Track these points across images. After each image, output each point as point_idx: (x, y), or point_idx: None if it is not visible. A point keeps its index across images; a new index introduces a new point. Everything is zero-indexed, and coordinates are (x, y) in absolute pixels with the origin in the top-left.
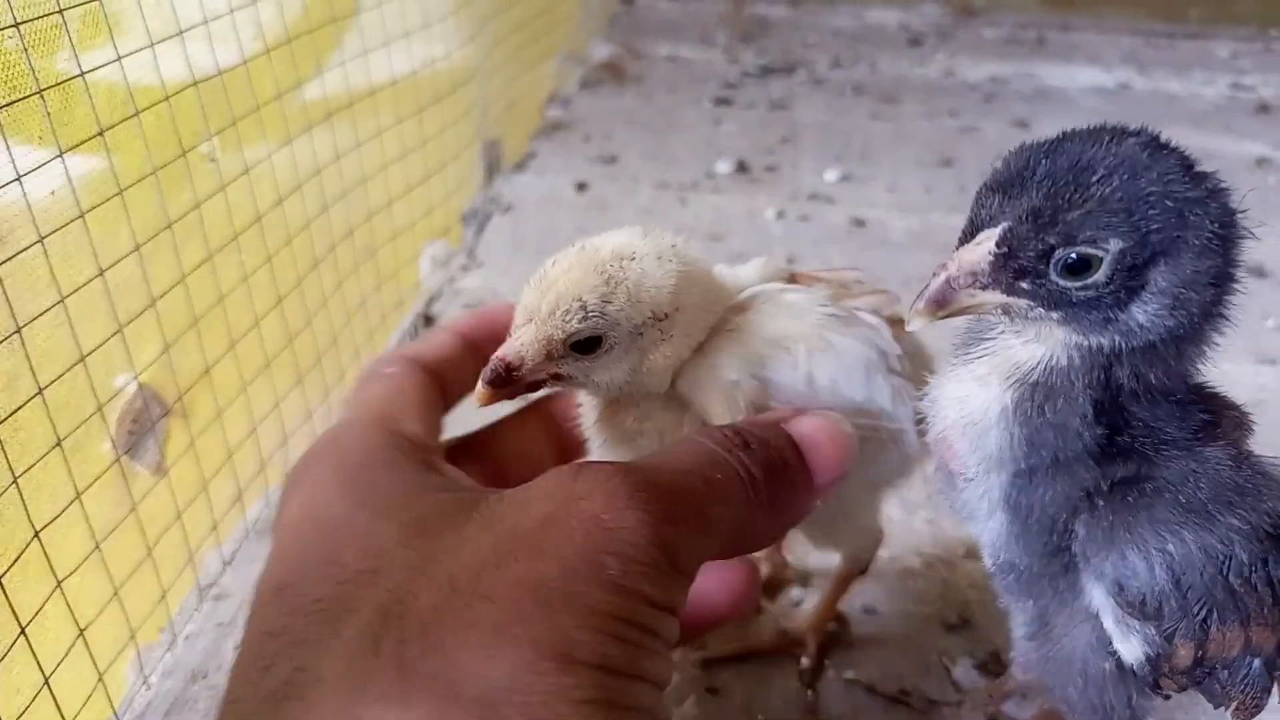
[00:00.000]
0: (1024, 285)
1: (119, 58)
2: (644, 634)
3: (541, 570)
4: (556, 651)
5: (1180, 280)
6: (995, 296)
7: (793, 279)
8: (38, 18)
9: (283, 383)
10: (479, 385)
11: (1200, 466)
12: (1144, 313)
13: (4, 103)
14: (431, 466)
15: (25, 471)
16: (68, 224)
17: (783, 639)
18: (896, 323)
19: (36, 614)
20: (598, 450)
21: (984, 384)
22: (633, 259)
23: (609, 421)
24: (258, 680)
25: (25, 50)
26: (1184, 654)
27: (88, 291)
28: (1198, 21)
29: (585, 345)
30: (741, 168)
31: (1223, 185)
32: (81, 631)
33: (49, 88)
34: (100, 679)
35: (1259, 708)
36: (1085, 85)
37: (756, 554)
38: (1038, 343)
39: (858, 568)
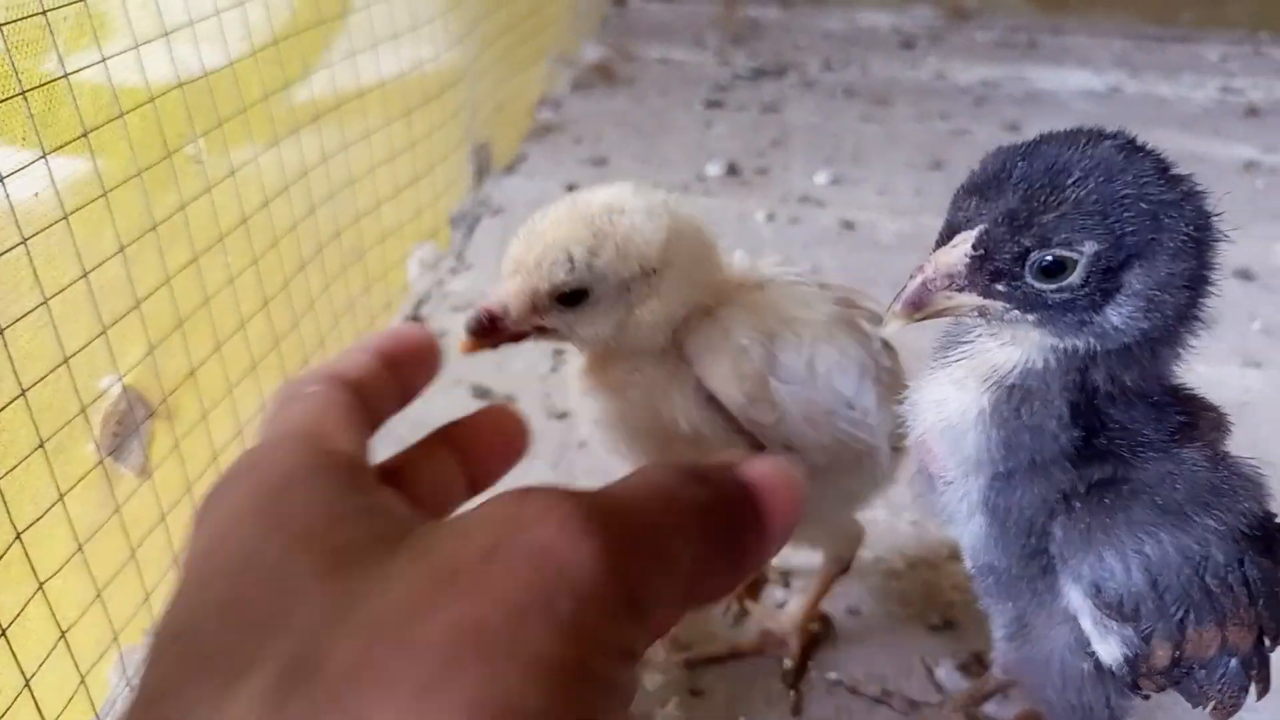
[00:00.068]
0: (1000, 287)
1: (103, 59)
2: (600, 687)
3: (481, 612)
4: (498, 710)
5: (1155, 282)
6: (971, 299)
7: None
8: (19, 19)
9: (269, 385)
10: (462, 333)
11: (1177, 468)
12: (1119, 315)
13: None
14: (361, 488)
15: (8, 473)
16: (50, 225)
17: (766, 640)
18: (884, 343)
19: (18, 615)
20: (579, 397)
21: (961, 387)
22: (622, 213)
23: (596, 371)
24: None
25: (9, 51)
26: (1161, 654)
27: (73, 293)
28: (1188, 24)
29: (571, 298)
30: (732, 170)
31: (1198, 188)
32: (64, 634)
33: (32, 89)
34: (82, 681)
35: (1236, 706)
36: (1076, 88)
37: None
38: (1014, 346)
39: (839, 566)
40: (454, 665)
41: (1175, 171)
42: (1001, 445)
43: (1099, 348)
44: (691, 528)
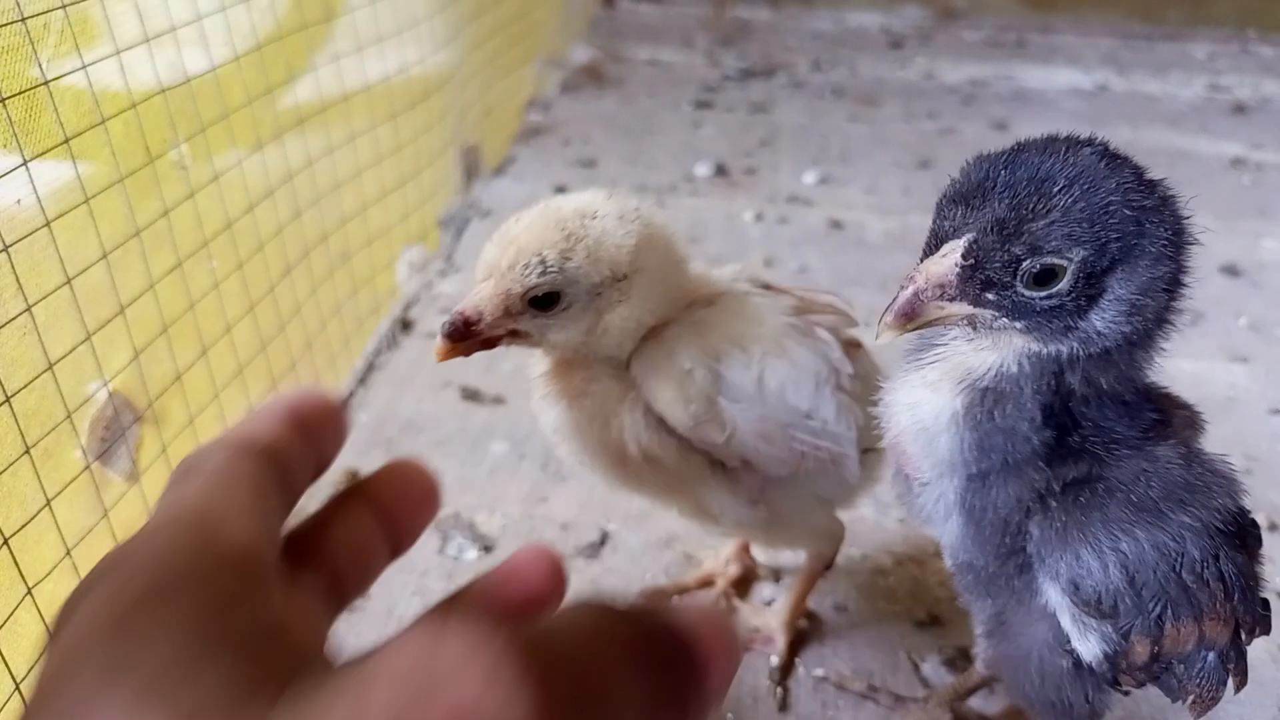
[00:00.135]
0: (990, 296)
1: (83, 66)
2: None
3: None
4: None
5: (1137, 287)
6: (962, 308)
7: (766, 289)
8: (1, 25)
9: (256, 389)
10: (437, 339)
11: (1151, 465)
12: (1101, 320)
13: None
14: (250, 597)
15: None
16: (33, 232)
17: (753, 637)
18: (854, 345)
19: (7, 620)
20: (538, 401)
21: (935, 389)
22: (594, 217)
23: (558, 375)
24: None
25: None
26: (1140, 650)
27: (60, 300)
28: (1176, 23)
29: (543, 301)
30: (720, 170)
31: (1172, 193)
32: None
33: (12, 96)
34: None
35: (1215, 700)
36: (1064, 86)
37: (727, 552)
38: (991, 349)
39: (822, 563)
40: None
41: (1152, 178)
42: (975, 447)
43: (1080, 352)
44: (634, 680)
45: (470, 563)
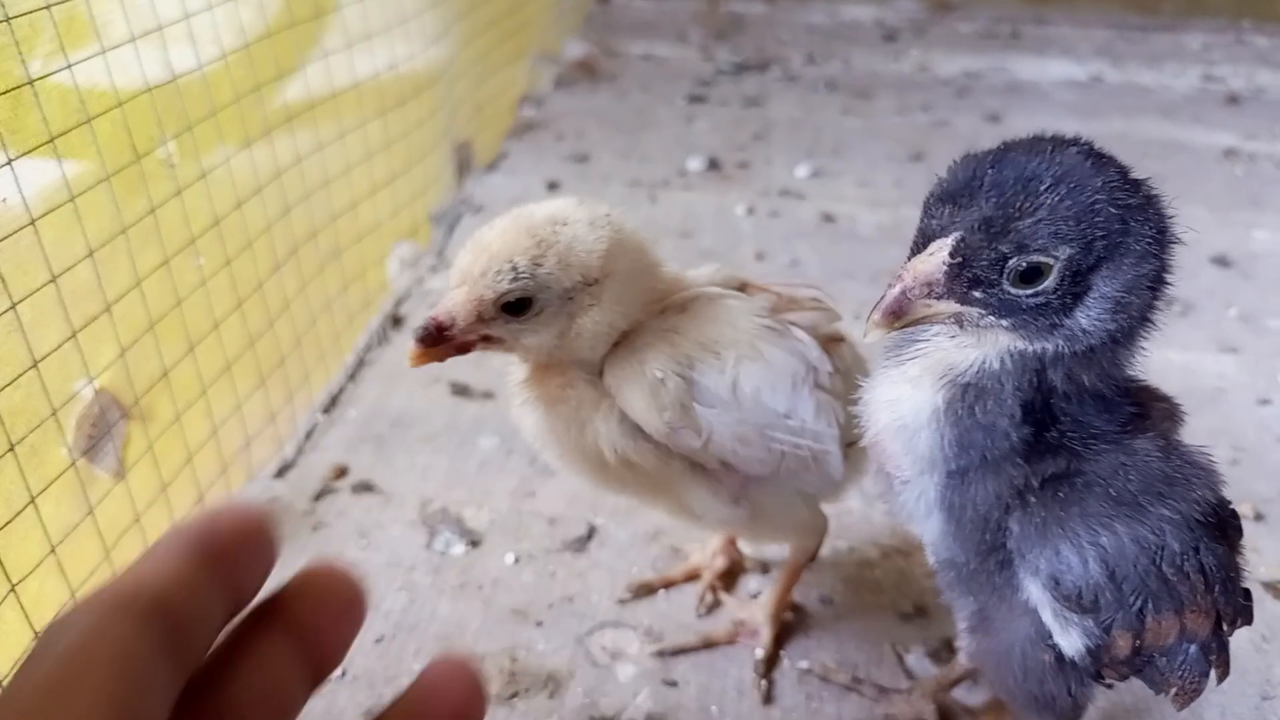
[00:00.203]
0: (977, 294)
1: (69, 65)
2: None
3: None
4: None
5: (1122, 285)
6: (950, 306)
7: (743, 288)
8: None
9: (245, 386)
10: (410, 344)
11: (1130, 459)
12: (1087, 317)
13: None
14: None
15: None
16: (18, 230)
17: (739, 629)
18: (836, 340)
19: None
20: (518, 408)
21: (916, 385)
22: (565, 224)
23: (535, 381)
24: None
25: None
26: (1122, 644)
27: (47, 298)
28: (1171, 14)
29: (516, 307)
30: (713, 165)
31: (1157, 191)
32: (37, 635)
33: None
34: None
35: (1198, 691)
36: (1058, 78)
37: (713, 546)
38: (973, 345)
39: (806, 557)
40: None
41: (1136, 176)
42: (955, 443)
43: (1065, 350)
44: None
45: (457, 557)
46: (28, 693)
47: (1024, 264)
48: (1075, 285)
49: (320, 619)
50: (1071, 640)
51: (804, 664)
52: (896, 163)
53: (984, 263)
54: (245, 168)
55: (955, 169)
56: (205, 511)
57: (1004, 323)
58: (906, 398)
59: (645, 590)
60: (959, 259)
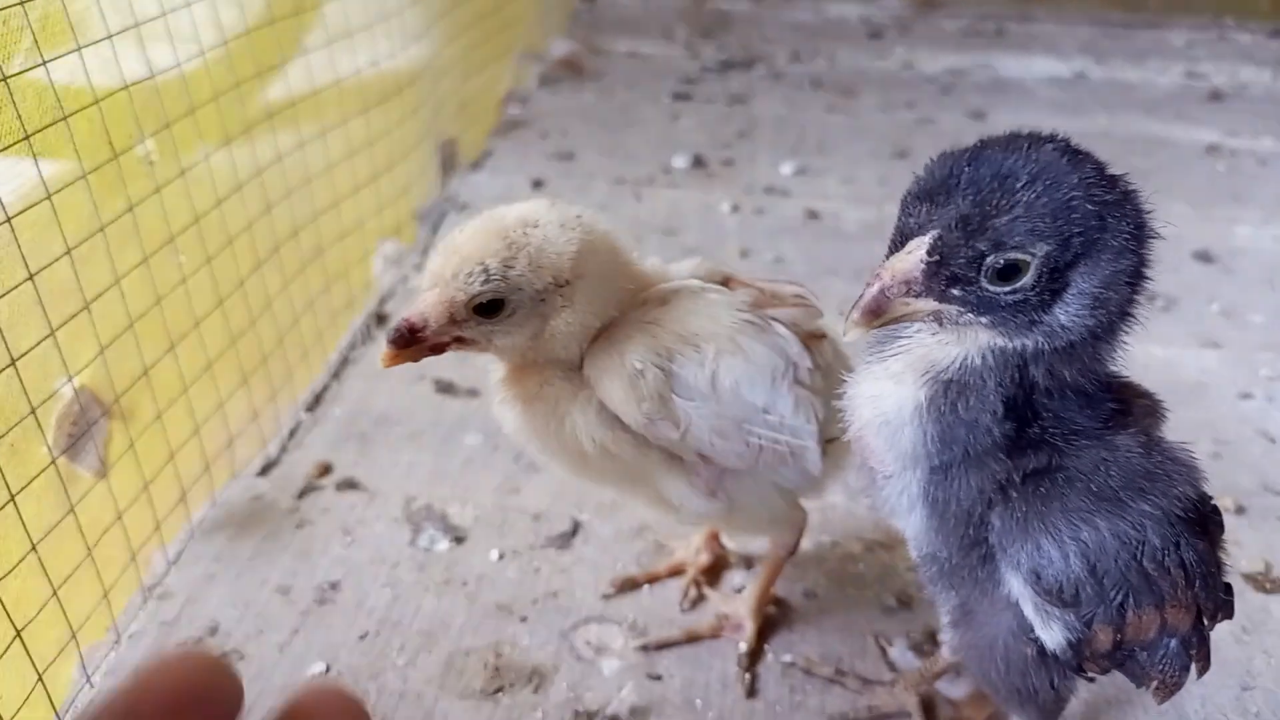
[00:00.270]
0: (955, 292)
1: (44, 62)
2: None
3: None
4: None
5: (1100, 281)
6: (928, 304)
7: (726, 282)
8: None
9: (227, 384)
10: (384, 346)
11: (1111, 454)
12: (1066, 314)
13: None
14: None
15: None
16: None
17: (723, 624)
18: (817, 337)
19: None
20: (498, 406)
21: (899, 381)
22: (536, 226)
23: (513, 380)
24: None
25: None
26: (1103, 638)
27: (26, 297)
28: (1154, 11)
29: (488, 308)
30: (698, 162)
31: (1134, 187)
32: (19, 632)
33: None
34: (40, 679)
35: (1179, 685)
36: (1041, 75)
37: (697, 541)
38: (955, 342)
39: (786, 551)
40: None
41: (1113, 172)
42: (937, 439)
43: (1045, 346)
44: None
45: (441, 554)
46: None
47: (1001, 261)
48: (1053, 282)
49: None
50: (1053, 634)
51: (788, 657)
52: (881, 160)
53: (961, 260)
54: (225, 166)
55: (932, 167)
56: (159, 665)
57: (983, 320)
58: (889, 394)
59: (629, 585)
60: (936, 257)
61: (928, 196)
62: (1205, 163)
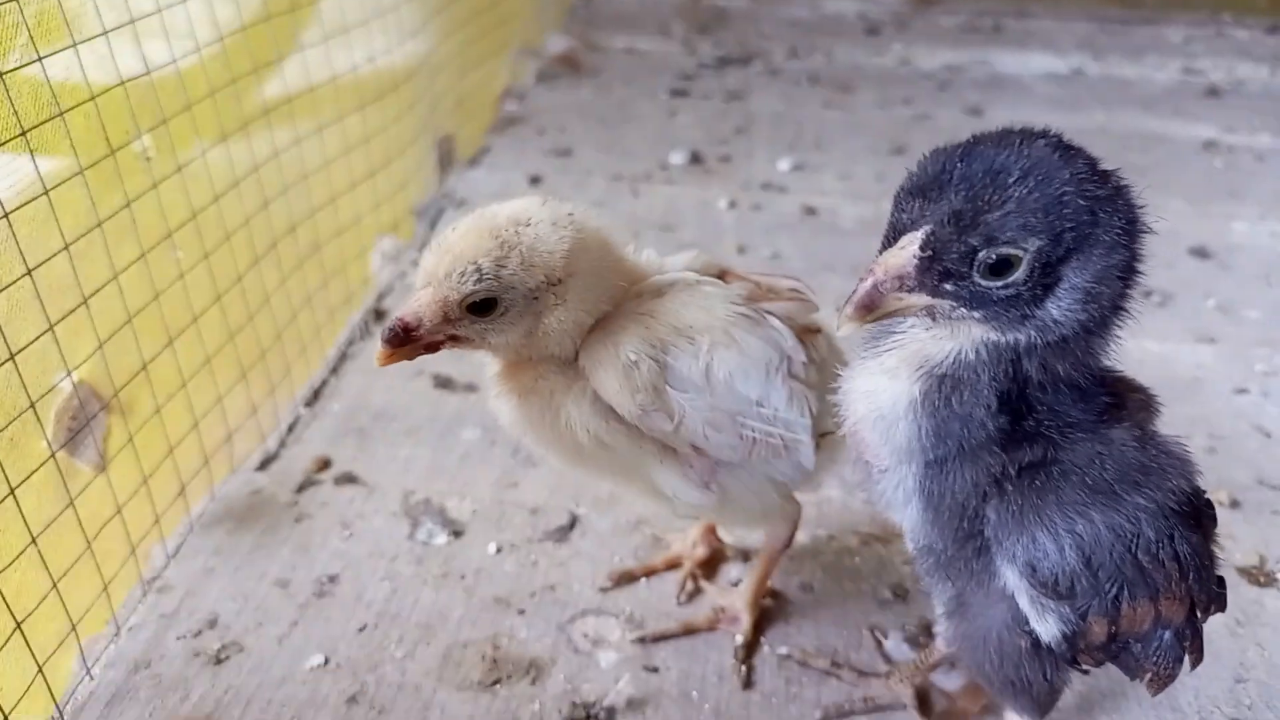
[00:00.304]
0: (948, 287)
1: (39, 58)
2: None
3: None
4: None
5: (1092, 275)
6: (921, 299)
7: (722, 275)
8: None
9: (225, 379)
10: (378, 345)
11: (1106, 448)
12: (1058, 308)
13: None
14: None
15: None
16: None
17: (719, 616)
18: (813, 331)
19: None
20: (494, 400)
21: (893, 376)
22: (528, 225)
23: (509, 374)
24: None
25: None
26: (1098, 630)
27: (25, 293)
28: (1152, 7)
29: (481, 307)
30: (695, 158)
31: (1125, 182)
32: (19, 624)
33: None
34: (40, 670)
35: (1172, 677)
36: (1039, 71)
37: (694, 534)
38: (949, 337)
39: (780, 544)
40: None
41: (1105, 167)
42: (932, 434)
43: (1038, 340)
44: None
45: (440, 547)
46: None
47: (993, 256)
48: (1045, 276)
49: None
50: (1048, 626)
51: (783, 649)
52: (878, 156)
53: (954, 255)
54: (222, 162)
55: (925, 163)
56: None
57: (975, 314)
58: (884, 389)
59: (627, 578)
60: (929, 252)
61: (920, 192)
62: (1202, 159)
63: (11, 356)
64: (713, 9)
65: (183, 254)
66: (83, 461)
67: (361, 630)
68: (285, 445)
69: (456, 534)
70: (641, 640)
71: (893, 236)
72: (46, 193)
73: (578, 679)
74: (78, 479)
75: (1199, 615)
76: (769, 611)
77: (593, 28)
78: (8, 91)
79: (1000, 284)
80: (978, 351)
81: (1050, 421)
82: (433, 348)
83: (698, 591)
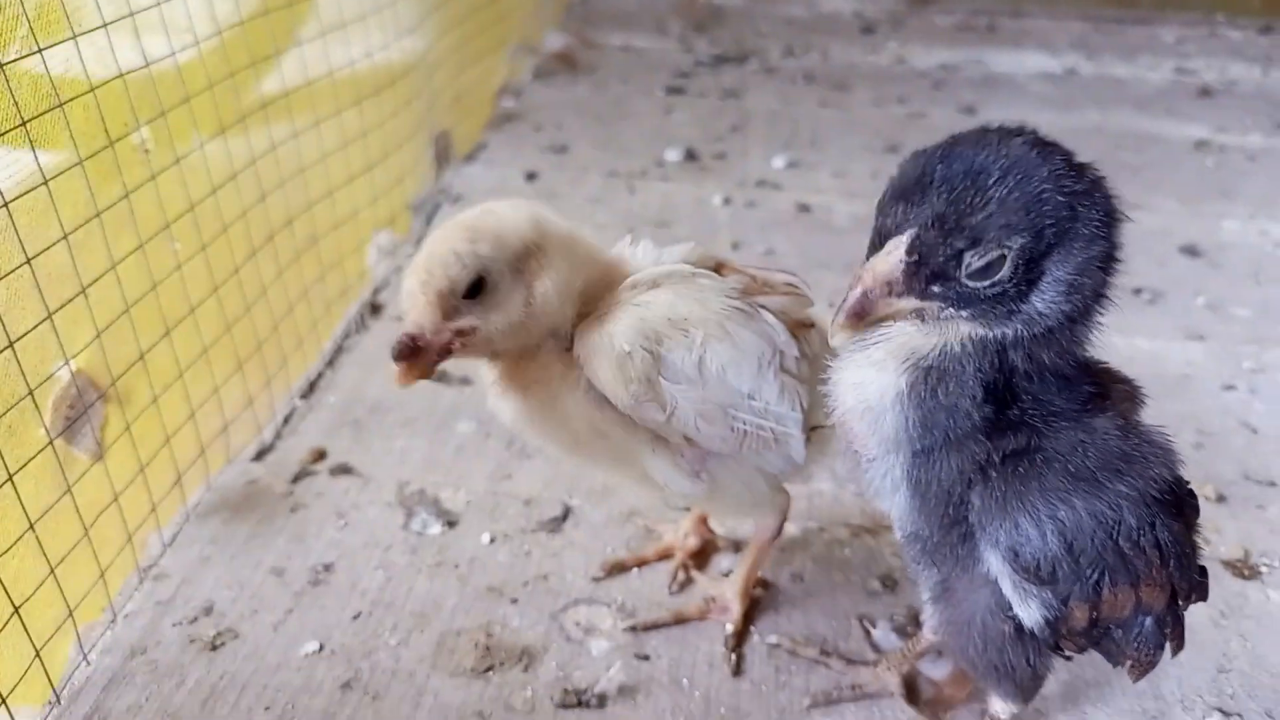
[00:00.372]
0: (936, 289)
1: (40, 50)
2: None
3: None
4: None
5: (1074, 267)
6: (910, 303)
7: (718, 268)
8: None
9: (222, 370)
10: (391, 366)
11: (1089, 436)
12: (1042, 301)
13: None
14: None
15: None
16: None
17: (709, 606)
18: (806, 325)
19: None
20: (495, 400)
21: (880, 369)
22: (489, 213)
23: (509, 372)
24: None
25: None
26: (1079, 615)
27: (24, 282)
28: (1146, 7)
29: (473, 290)
30: (691, 155)
31: (1100, 174)
32: (16, 609)
33: None
34: (37, 654)
35: (1153, 664)
36: (1033, 71)
37: (686, 525)
38: (936, 331)
39: (769, 534)
40: None
41: (1081, 161)
42: (919, 424)
43: (1025, 333)
44: None
45: (434, 537)
46: None
47: (978, 257)
48: (1029, 272)
49: None
50: (1030, 611)
51: (773, 638)
52: (873, 154)
53: (940, 259)
54: (220, 155)
55: (905, 166)
56: None
57: (963, 314)
58: (871, 381)
59: (619, 569)
60: (915, 256)
61: (903, 196)
62: (1194, 158)
63: (10, 344)
64: (708, 7)
65: (180, 246)
66: (80, 450)
67: (356, 618)
68: (281, 436)
69: (450, 524)
70: (633, 629)
71: (878, 242)
72: (46, 182)
73: (570, 666)
74: (75, 467)
75: (1180, 603)
76: (759, 601)
77: (590, 25)
78: (8, 82)
79: (986, 284)
80: (963, 344)
81: (1034, 410)
82: (444, 351)
83: (689, 582)
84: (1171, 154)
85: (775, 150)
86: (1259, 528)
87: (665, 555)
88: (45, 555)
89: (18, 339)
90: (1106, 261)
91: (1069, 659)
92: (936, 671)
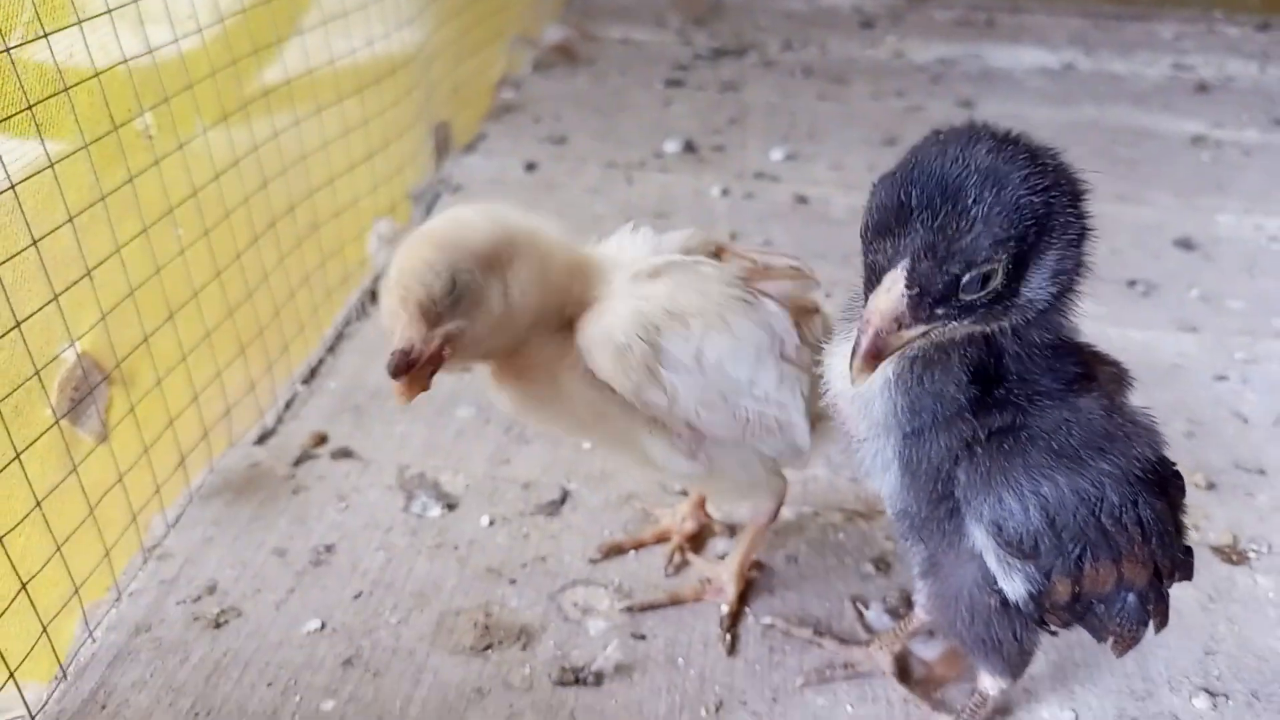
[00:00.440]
0: (940, 311)
1: (45, 34)
2: None
3: None
4: None
5: (1055, 254)
6: (919, 330)
7: (719, 252)
8: None
9: (224, 354)
10: (392, 383)
11: (1073, 415)
12: (1030, 290)
13: None
14: None
15: None
16: None
17: (705, 587)
18: (810, 311)
19: None
20: (494, 394)
21: None
22: (452, 219)
23: (506, 367)
24: None
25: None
26: (1061, 590)
27: (31, 265)
28: (1144, 3)
29: (451, 295)
30: (689, 147)
31: (1060, 160)
32: (24, 585)
33: None
34: (44, 630)
35: (1136, 640)
36: (1031, 66)
37: (683, 509)
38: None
39: (766, 517)
40: None
41: (1036, 148)
42: (907, 409)
43: (1017, 320)
44: None
45: (434, 520)
46: None
47: (975, 276)
48: (1017, 270)
49: None
50: (1014, 585)
51: (767, 619)
52: (870, 147)
53: (939, 287)
54: (223, 142)
55: (880, 196)
56: None
57: (966, 322)
58: None
59: (616, 551)
60: (916, 289)
61: (887, 229)
62: (1190, 153)
63: (17, 324)
64: (708, 1)
65: (183, 231)
66: (85, 431)
67: (357, 597)
68: (283, 421)
69: (450, 507)
70: (630, 609)
71: (873, 278)
72: (52, 165)
73: (567, 645)
74: (80, 448)
75: (1163, 580)
76: (754, 583)
77: (589, 18)
78: (14, 66)
79: (984, 294)
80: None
81: (1020, 390)
82: (436, 359)
83: (685, 564)
84: (1168, 149)
85: (773, 142)
86: (1248, 514)
87: (662, 538)
88: (52, 534)
89: (24, 320)
90: (1080, 236)
91: (1054, 634)
92: (928, 651)
